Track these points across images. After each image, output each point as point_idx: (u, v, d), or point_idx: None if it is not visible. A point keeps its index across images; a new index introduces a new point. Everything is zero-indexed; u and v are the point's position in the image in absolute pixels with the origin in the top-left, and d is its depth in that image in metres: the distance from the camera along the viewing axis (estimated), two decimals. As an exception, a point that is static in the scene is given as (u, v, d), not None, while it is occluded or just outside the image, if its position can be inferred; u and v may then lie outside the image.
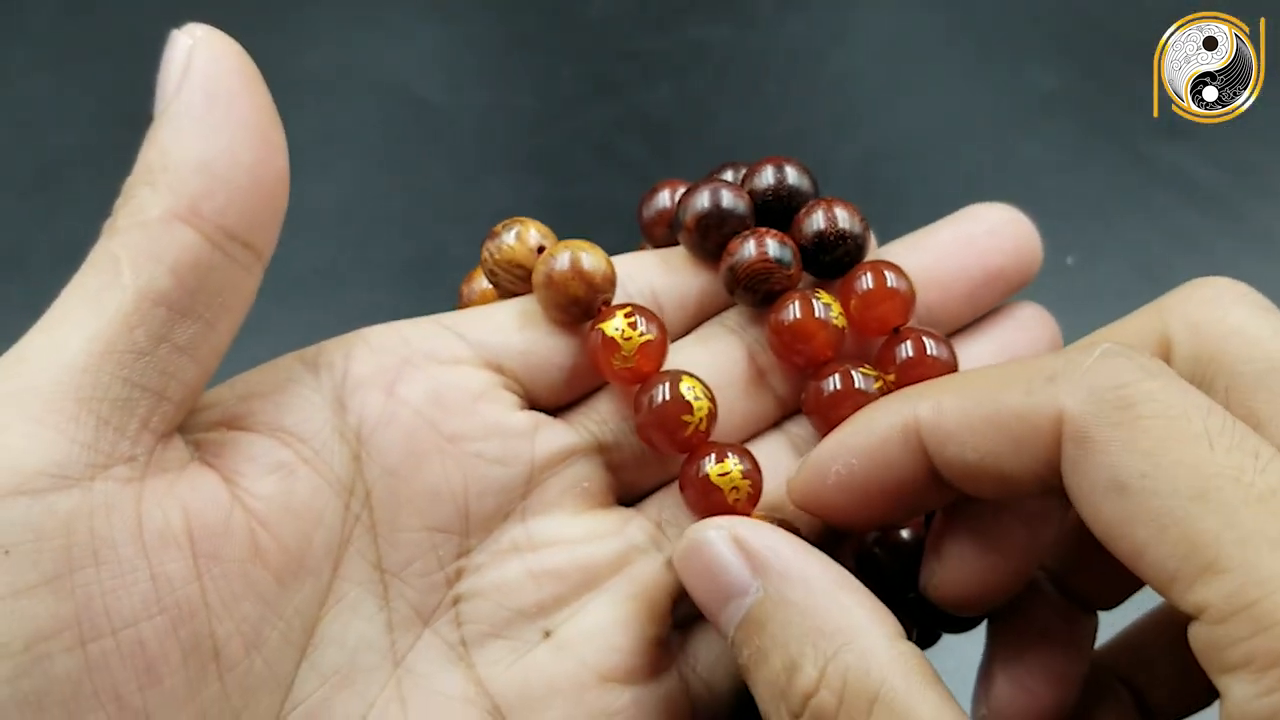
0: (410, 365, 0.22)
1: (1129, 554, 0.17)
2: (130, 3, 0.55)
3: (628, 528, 0.23)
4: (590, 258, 0.23)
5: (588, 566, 0.23)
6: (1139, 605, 0.24)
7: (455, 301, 0.27)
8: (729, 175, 0.26)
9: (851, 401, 0.23)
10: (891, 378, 0.24)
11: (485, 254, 0.25)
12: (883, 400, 0.22)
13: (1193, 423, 0.17)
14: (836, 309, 0.24)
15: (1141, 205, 0.48)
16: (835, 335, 0.24)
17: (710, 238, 0.25)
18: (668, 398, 0.23)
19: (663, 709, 0.23)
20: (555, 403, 0.24)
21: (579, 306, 0.23)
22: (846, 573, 0.20)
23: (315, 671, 0.21)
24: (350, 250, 0.47)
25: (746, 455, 0.23)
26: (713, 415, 0.23)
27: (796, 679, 0.18)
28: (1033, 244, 0.26)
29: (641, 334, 0.23)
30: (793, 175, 0.25)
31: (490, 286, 0.26)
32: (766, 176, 0.25)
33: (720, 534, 0.20)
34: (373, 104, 0.52)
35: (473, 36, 0.55)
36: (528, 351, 0.23)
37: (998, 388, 0.19)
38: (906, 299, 0.24)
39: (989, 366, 0.20)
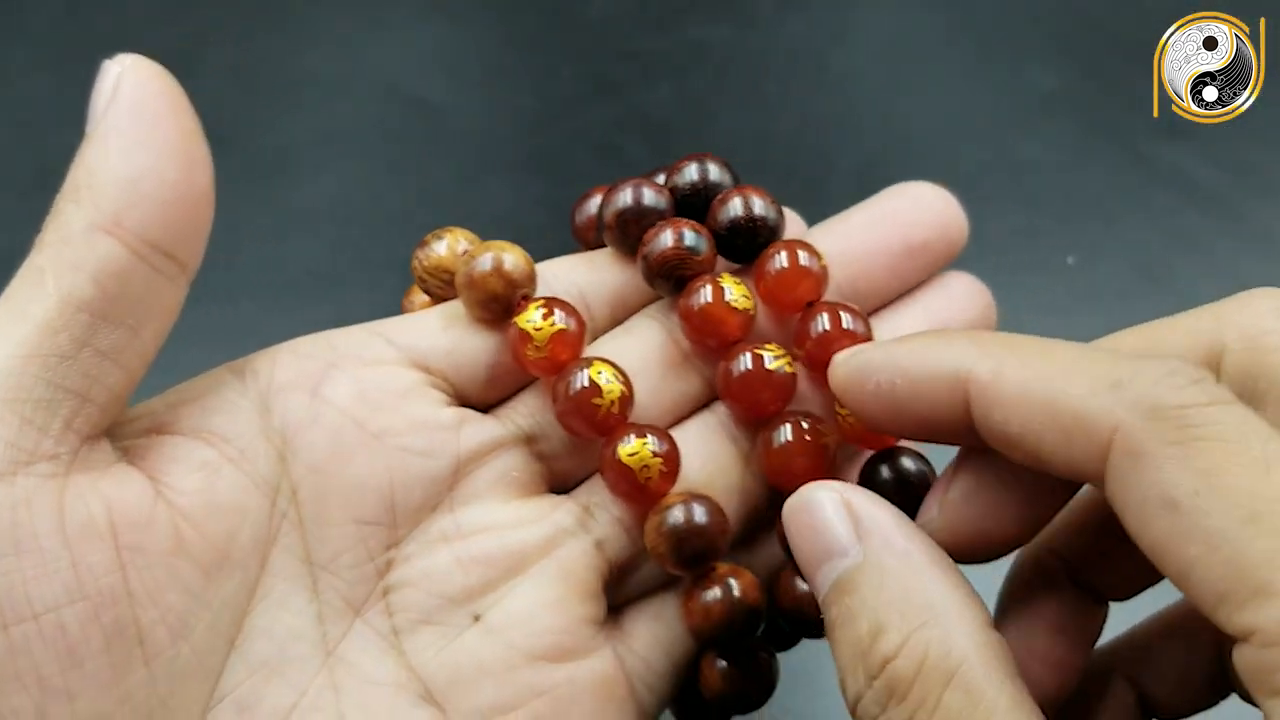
0: (335, 368, 0.23)
1: (1176, 571, 0.17)
2: (130, 3, 0.55)
3: (555, 513, 0.24)
4: (510, 257, 0.24)
5: (515, 551, 0.23)
6: (1147, 602, 0.24)
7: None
8: (660, 178, 0.27)
9: (763, 381, 0.24)
10: (800, 354, 0.25)
11: (415, 263, 0.26)
12: (947, 336, 0.21)
13: (1251, 448, 0.17)
14: (741, 291, 0.24)
15: (1142, 205, 0.48)
16: (744, 318, 0.24)
17: (630, 233, 0.25)
18: (577, 384, 0.23)
19: (596, 686, 0.23)
20: (484, 399, 0.25)
21: (499, 303, 0.24)
22: (944, 554, 0.20)
23: (244, 662, 0.21)
24: (349, 250, 0.47)
25: (663, 436, 0.24)
26: (626, 398, 0.24)
27: (879, 643, 0.19)
28: (956, 218, 0.27)
29: (554, 324, 0.23)
30: (714, 171, 0.26)
31: (427, 297, 0.26)
32: (689, 173, 0.26)
33: (831, 495, 0.20)
34: (373, 104, 0.52)
35: (473, 36, 0.55)
36: (453, 350, 0.24)
37: (1063, 376, 0.19)
38: (818, 275, 0.25)
39: (1061, 343, 0.20)
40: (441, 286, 0.25)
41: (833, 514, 0.20)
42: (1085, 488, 0.22)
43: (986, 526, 0.21)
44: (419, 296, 0.27)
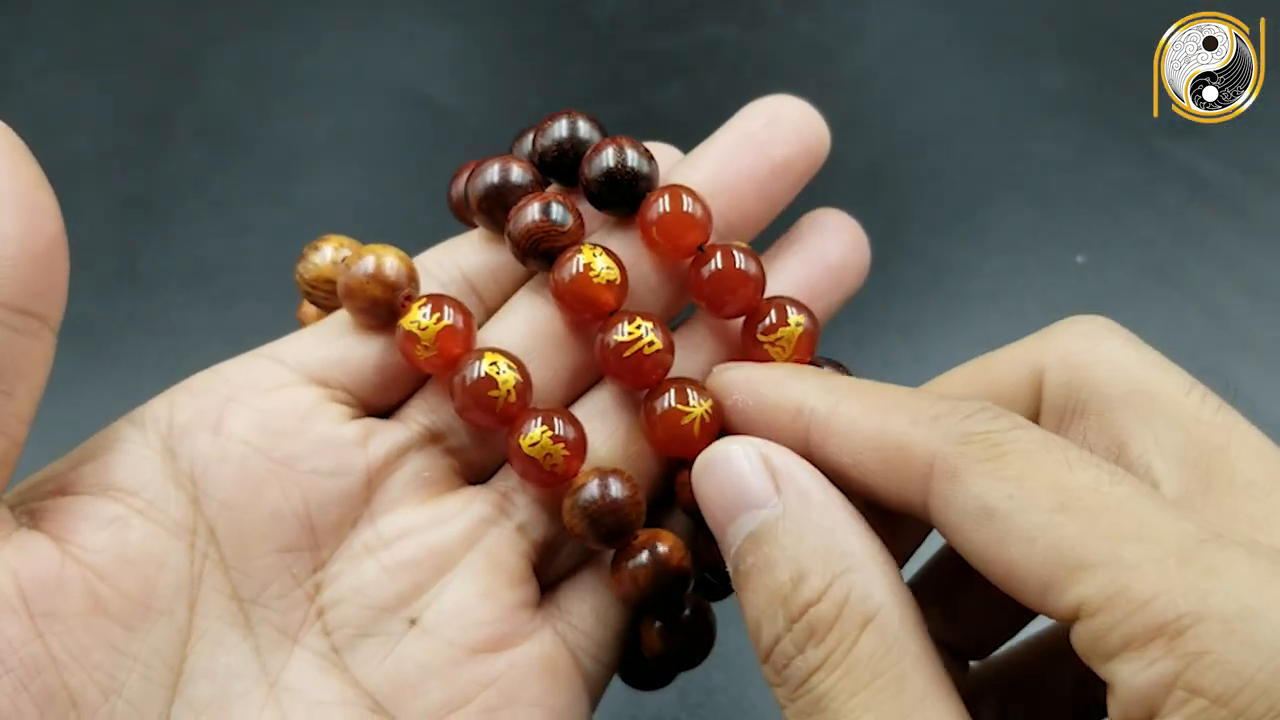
0: (233, 401, 0.23)
1: (1001, 575, 0.18)
2: (140, 5, 0.56)
3: (472, 504, 0.24)
4: (388, 260, 0.24)
5: (439, 550, 0.23)
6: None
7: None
8: (528, 140, 0.26)
9: (638, 354, 0.23)
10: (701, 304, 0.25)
11: (297, 276, 0.25)
12: (800, 372, 0.23)
13: (1053, 453, 0.18)
14: (606, 262, 0.24)
15: (1151, 203, 0.48)
16: (614, 289, 0.24)
17: (496, 216, 0.25)
18: (472, 377, 0.23)
19: (541, 667, 0.23)
20: (385, 403, 0.25)
21: (381, 307, 0.24)
22: (856, 512, 0.20)
23: (189, 707, 0.21)
24: (360, 251, 0.47)
25: (564, 417, 0.23)
26: (522, 385, 0.23)
27: (802, 588, 0.19)
28: (815, 125, 0.26)
29: (439, 320, 0.23)
30: (583, 128, 0.25)
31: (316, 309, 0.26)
32: (557, 130, 0.25)
33: (746, 449, 0.21)
34: (382, 104, 0.52)
35: (482, 37, 0.56)
36: (345, 359, 0.24)
37: (888, 412, 0.20)
38: (703, 220, 0.24)
39: (894, 387, 0.21)
40: (328, 297, 0.25)
41: (749, 467, 0.21)
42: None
43: (993, 624, 0.23)
44: (310, 309, 0.27)
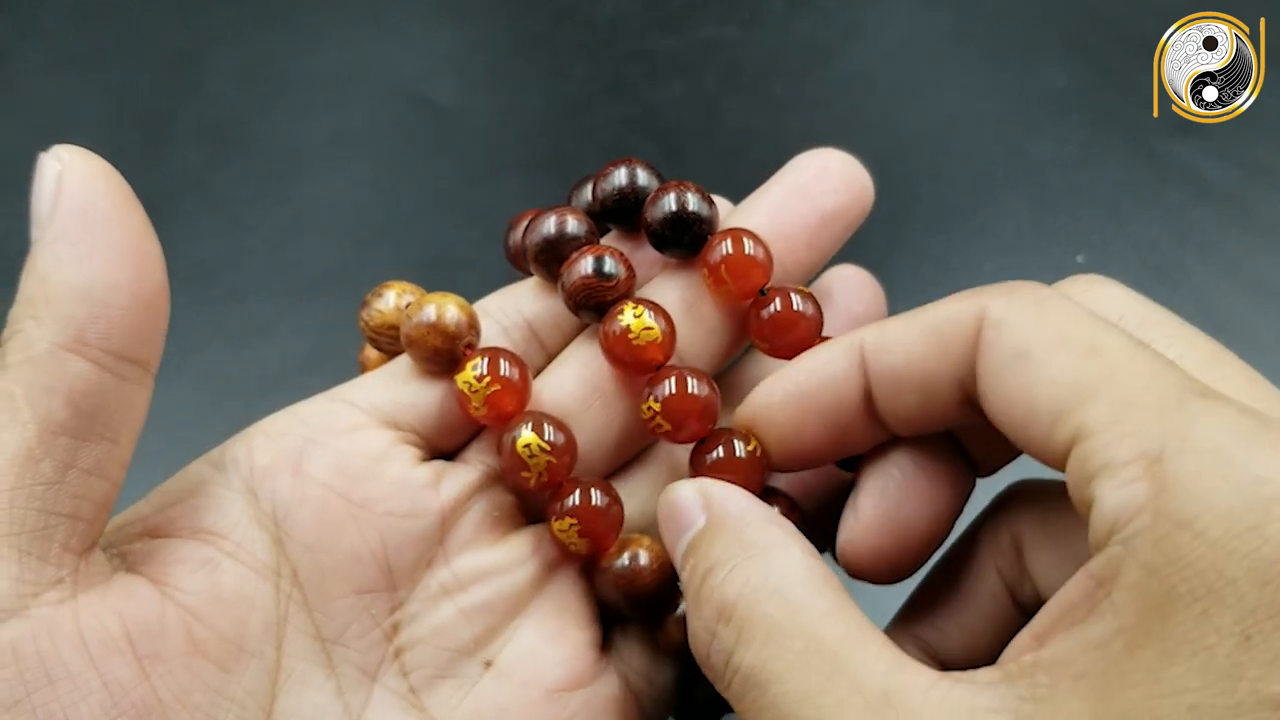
0: (312, 443, 0.24)
1: (1020, 416, 0.20)
2: (140, 5, 0.56)
3: (541, 547, 0.25)
4: (450, 310, 0.25)
5: (512, 594, 0.24)
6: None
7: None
8: (588, 188, 0.27)
9: (692, 406, 0.24)
10: (763, 346, 0.25)
11: (361, 323, 0.26)
12: (836, 337, 0.24)
13: (1094, 316, 0.20)
14: (646, 322, 0.24)
15: (1152, 203, 0.48)
16: (659, 345, 0.25)
17: (552, 268, 0.26)
18: (508, 450, 0.24)
19: (609, 706, 0.24)
20: (454, 444, 0.26)
21: (443, 357, 0.24)
22: (779, 515, 0.22)
23: None
24: (361, 251, 0.47)
25: (597, 494, 0.24)
26: (555, 465, 0.24)
27: (709, 579, 0.21)
28: (861, 179, 0.28)
29: (489, 385, 0.24)
30: (643, 176, 0.26)
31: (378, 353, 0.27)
32: (619, 177, 0.26)
33: (689, 485, 0.23)
34: (382, 105, 0.52)
35: (482, 38, 0.56)
36: (415, 403, 0.25)
37: (935, 306, 0.22)
38: (764, 262, 0.25)
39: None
40: (392, 343, 0.26)
41: (689, 497, 0.22)
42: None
43: (901, 526, 0.23)
44: (373, 352, 0.27)
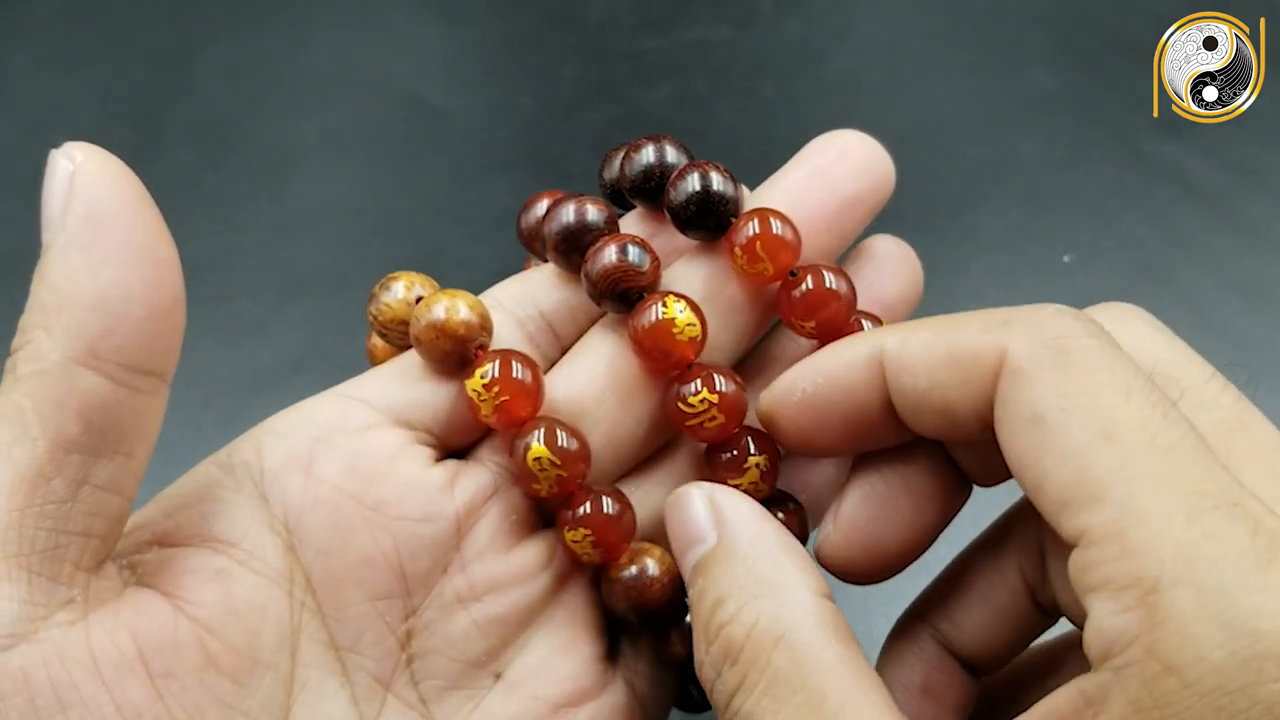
0: (322, 443, 0.23)
1: (1033, 482, 0.19)
2: (131, 4, 0.56)
3: (556, 555, 0.24)
4: (457, 310, 0.24)
5: (526, 606, 0.24)
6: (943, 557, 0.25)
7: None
8: (617, 161, 0.26)
9: (741, 405, 0.24)
10: (807, 328, 0.25)
11: (370, 316, 0.25)
12: (856, 334, 0.24)
13: (1117, 377, 0.18)
14: (690, 317, 0.24)
15: (1140, 204, 0.48)
16: (696, 343, 0.24)
17: (572, 258, 0.25)
18: (518, 459, 0.23)
19: (616, 718, 0.24)
20: (468, 441, 0.25)
21: (453, 358, 0.24)
22: (792, 538, 0.21)
23: None
24: (352, 250, 0.47)
25: (610, 502, 0.24)
26: (565, 479, 0.23)
27: (718, 612, 0.20)
28: (883, 162, 0.26)
29: (497, 394, 0.23)
30: (671, 154, 0.25)
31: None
32: (647, 154, 0.25)
33: (699, 491, 0.22)
34: (373, 104, 0.52)
35: (473, 38, 0.56)
36: (428, 401, 0.24)
37: (959, 326, 0.21)
38: (794, 243, 0.24)
39: (954, 314, 0.22)
40: (402, 337, 0.25)
41: (699, 506, 0.22)
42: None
43: (879, 535, 0.23)
44: (379, 341, 0.26)
